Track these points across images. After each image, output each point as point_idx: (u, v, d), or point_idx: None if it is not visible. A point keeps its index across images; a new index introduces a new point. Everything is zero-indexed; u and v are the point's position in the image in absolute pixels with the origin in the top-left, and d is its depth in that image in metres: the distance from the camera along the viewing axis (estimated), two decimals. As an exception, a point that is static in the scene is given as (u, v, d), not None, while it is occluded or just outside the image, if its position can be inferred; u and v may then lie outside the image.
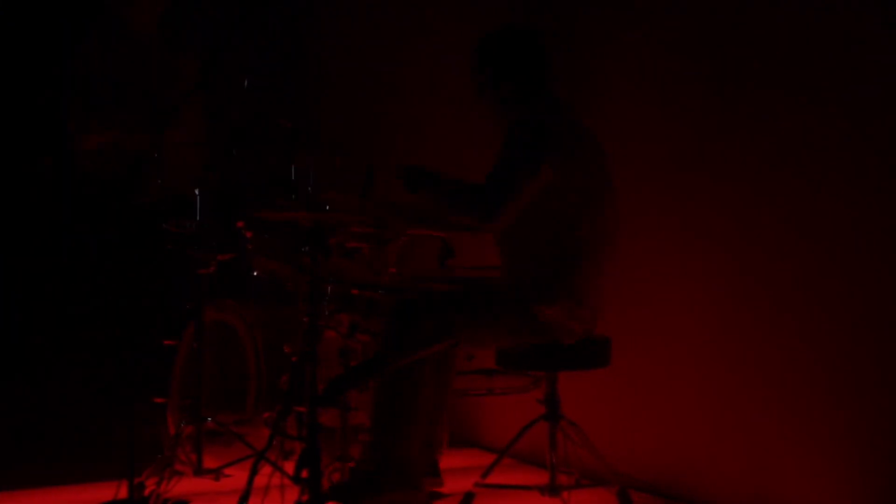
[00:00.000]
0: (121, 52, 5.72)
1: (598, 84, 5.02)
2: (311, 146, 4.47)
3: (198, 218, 4.43)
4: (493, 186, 4.06)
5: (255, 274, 4.43)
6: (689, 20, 4.66)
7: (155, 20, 5.85)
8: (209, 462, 4.63)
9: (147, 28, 5.83)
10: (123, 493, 4.27)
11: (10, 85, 6.40)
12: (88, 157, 5.61)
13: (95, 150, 5.59)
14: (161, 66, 5.72)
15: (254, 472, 4.02)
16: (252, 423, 4.99)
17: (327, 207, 4.01)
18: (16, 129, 6.38)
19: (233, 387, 5.17)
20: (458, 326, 4.02)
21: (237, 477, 4.68)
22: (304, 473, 3.86)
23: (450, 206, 4.18)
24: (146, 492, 4.39)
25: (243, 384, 5.15)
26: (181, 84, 5.57)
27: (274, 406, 4.97)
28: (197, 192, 4.41)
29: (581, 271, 4.11)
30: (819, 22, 4.16)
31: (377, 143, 6.17)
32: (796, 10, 4.23)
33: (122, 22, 5.80)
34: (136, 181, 4.87)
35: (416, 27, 6.12)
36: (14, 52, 6.39)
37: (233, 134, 5.18)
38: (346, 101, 6.55)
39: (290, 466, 4.13)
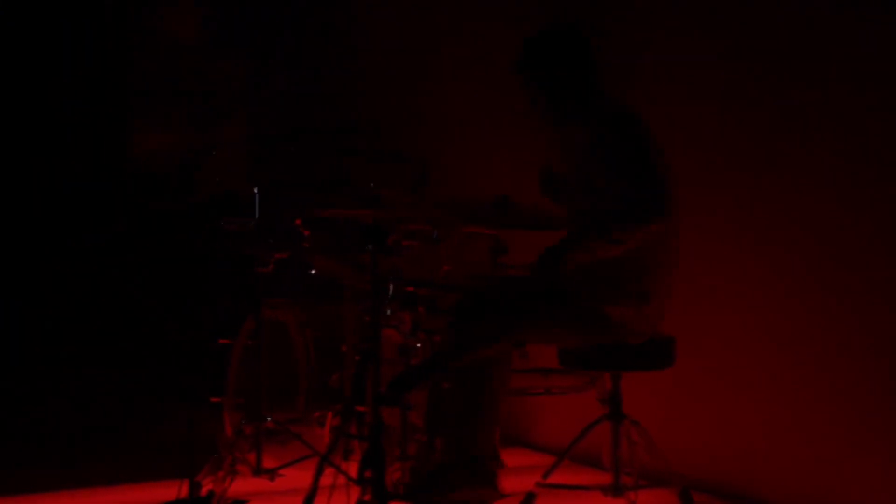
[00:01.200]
0: (173, 54, 5.72)
1: (649, 84, 4.97)
2: (369, 144, 4.44)
3: (256, 216, 4.40)
4: (637, 184, 3.89)
5: (312, 272, 4.40)
6: (746, 16, 4.61)
7: (197, 23, 5.85)
8: (266, 462, 4.61)
9: (190, 31, 5.83)
10: (185, 492, 4.24)
11: (69, 88, 6.40)
12: (146, 158, 5.61)
13: (152, 150, 5.58)
14: (211, 67, 5.71)
15: (319, 473, 3.97)
16: (303, 422, 4.96)
17: (388, 206, 3.97)
18: (75, 130, 6.38)
19: (283, 385, 5.14)
20: (524, 325, 3.98)
21: (291, 477, 4.67)
22: (368, 473, 3.82)
23: (610, 241, 3.93)
24: (203, 491, 4.36)
25: (294, 383, 5.12)
26: (233, 83, 5.56)
27: (324, 405, 4.96)
28: (255, 189, 4.37)
29: (649, 271, 4.05)
30: (889, 13, 4.11)
31: (427, 140, 6.14)
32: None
33: (167, 25, 5.80)
34: (193, 180, 4.84)
35: (461, 24, 6.09)
36: (74, 54, 6.39)
37: (287, 132, 5.15)
38: (396, 97, 6.52)
39: (349, 466, 4.12)
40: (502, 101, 5.64)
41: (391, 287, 4.34)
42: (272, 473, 4.55)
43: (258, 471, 4.51)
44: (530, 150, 5.39)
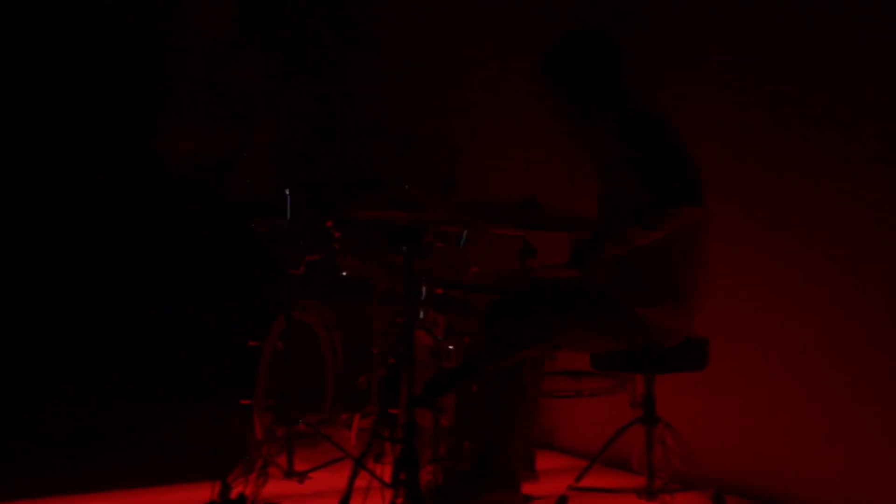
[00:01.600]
0: (203, 56, 5.72)
1: (674, 85, 4.94)
2: (402, 146, 4.43)
3: (288, 217, 4.38)
4: (670, 171, 3.89)
5: (343, 274, 4.39)
6: (769, 14, 4.59)
7: (226, 22, 5.84)
8: (298, 464, 4.60)
9: (219, 31, 5.82)
10: (216, 494, 4.22)
11: (101, 91, 6.41)
12: (177, 159, 5.60)
13: (185, 152, 5.58)
14: (240, 68, 5.70)
15: (354, 476, 3.96)
16: (330, 424, 4.95)
17: (424, 207, 3.96)
18: (107, 133, 6.39)
19: (310, 387, 5.13)
20: (557, 328, 3.97)
21: (319, 479, 4.65)
22: (402, 475, 3.81)
23: (646, 227, 3.91)
24: (233, 494, 4.35)
25: (321, 384, 5.11)
26: (262, 84, 5.56)
27: (352, 407, 4.95)
28: (287, 191, 4.36)
29: (681, 273, 4.04)
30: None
31: (453, 141, 6.11)
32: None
33: (198, 26, 5.80)
34: (223, 182, 4.83)
35: (486, 24, 6.07)
36: (106, 56, 6.40)
37: (318, 133, 5.14)
38: (421, 98, 6.50)
39: (381, 469, 4.11)
40: (528, 102, 5.63)
41: (424, 289, 4.33)
42: (303, 476, 4.54)
43: (290, 473, 4.49)
44: (556, 152, 5.40)
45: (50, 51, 6.37)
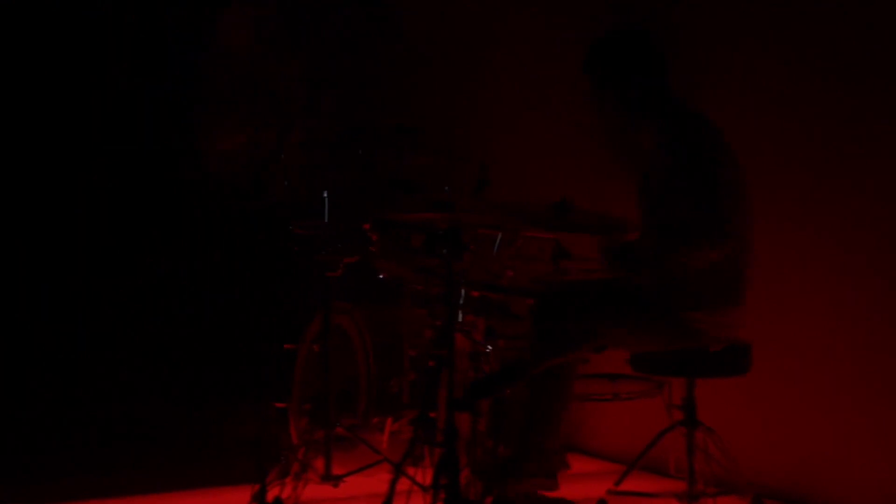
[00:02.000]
0: (242, 56, 5.70)
1: (715, 87, 4.91)
2: (436, 148, 4.40)
3: (326, 220, 4.35)
4: (699, 206, 3.89)
5: (381, 276, 4.36)
6: (812, 16, 4.56)
7: (265, 24, 5.83)
8: (332, 468, 4.57)
9: (248, 34, 5.81)
10: (253, 497, 4.18)
11: (141, 91, 6.40)
12: (217, 160, 5.58)
13: (225, 152, 5.56)
14: (279, 69, 5.68)
15: (395, 480, 3.93)
16: (364, 428, 4.92)
17: (463, 210, 3.94)
18: (150, 132, 6.38)
19: (342, 390, 5.10)
20: (605, 331, 3.94)
21: (355, 483, 4.63)
22: (443, 480, 3.79)
23: (657, 261, 3.94)
24: (269, 497, 4.31)
25: (352, 387, 5.08)
26: (299, 86, 5.54)
27: (384, 410, 4.93)
28: (325, 193, 4.33)
29: (727, 276, 4.00)
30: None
31: (483, 142, 6.08)
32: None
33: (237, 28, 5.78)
34: (260, 183, 4.80)
35: (519, 23, 6.04)
36: (146, 56, 6.39)
37: (354, 135, 5.11)
38: (452, 98, 6.47)
39: (418, 473, 4.09)
40: (559, 103, 5.62)
41: (463, 292, 4.30)
42: (339, 480, 4.51)
43: (327, 477, 4.46)
44: (588, 153, 5.37)
45: (95, 51, 6.37)
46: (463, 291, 4.28)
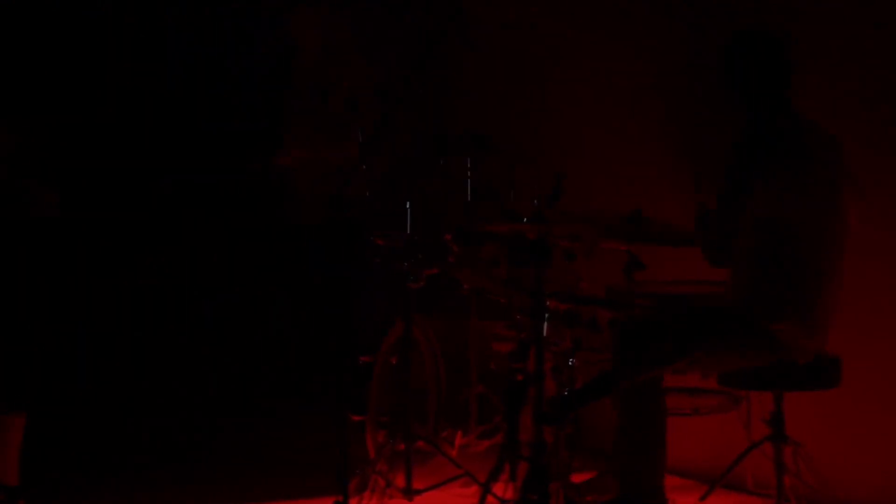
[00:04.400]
0: (322, 69, 5.68)
1: (818, 89, 4.80)
2: (513, 159, 4.37)
3: (408, 231, 4.32)
4: (773, 279, 3.89)
5: (464, 288, 4.31)
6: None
7: (319, 37, 5.81)
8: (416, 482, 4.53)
9: (311, 46, 5.79)
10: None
11: (214, 100, 6.39)
12: (289, 171, 5.56)
13: (296, 163, 5.54)
14: (357, 81, 5.66)
15: (484, 496, 3.88)
16: (434, 440, 4.87)
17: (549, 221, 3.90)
18: (224, 143, 6.36)
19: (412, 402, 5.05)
20: (696, 347, 3.87)
21: (431, 497, 4.59)
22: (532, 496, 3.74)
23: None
24: (345, 510, 4.28)
25: (421, 399, 5.03)
26: (377, 98, 5.51)
27: (452, 422, 4.88)
28: (408, 204, 4.30)
29: (814, 287, 3.93)
30: None
31: (554, 153, 6.04)
32: None
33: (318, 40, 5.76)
34: (342, 195, 4.77)
35: (592, 34, 5.99)
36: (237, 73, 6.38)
37: (436, 145, 5.08)
38: (523, 109, 6.42)
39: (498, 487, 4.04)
40: (631, 114, 5.56)
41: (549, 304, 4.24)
42: (415, 494, 4.47)
43: (407, 491, 4.41)
44: (658, 165, 5.32)
45: (180, 67, 6.36)
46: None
